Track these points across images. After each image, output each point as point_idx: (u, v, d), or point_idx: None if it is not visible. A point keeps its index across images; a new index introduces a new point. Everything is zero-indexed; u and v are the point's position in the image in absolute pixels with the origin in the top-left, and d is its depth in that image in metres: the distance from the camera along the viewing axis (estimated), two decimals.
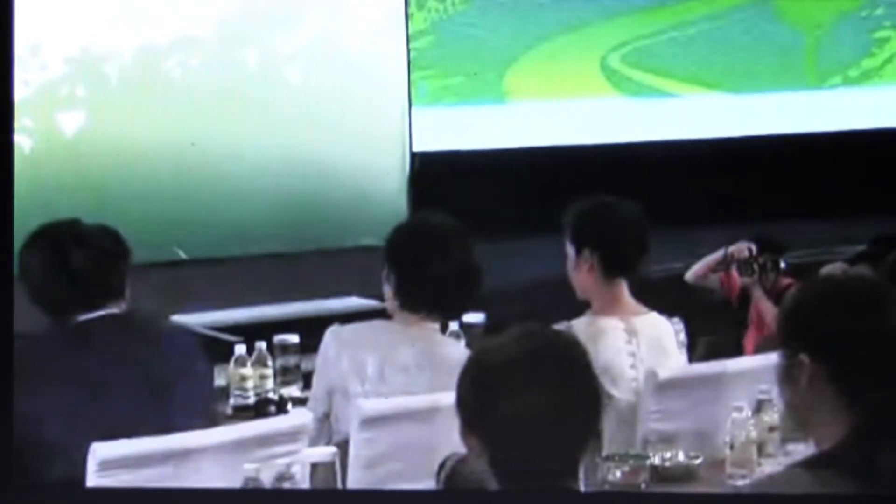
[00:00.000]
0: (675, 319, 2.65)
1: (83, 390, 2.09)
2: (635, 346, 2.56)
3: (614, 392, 2.52)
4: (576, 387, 1.50)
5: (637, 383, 2.56)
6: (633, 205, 2.57)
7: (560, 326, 2.49)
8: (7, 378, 1.87)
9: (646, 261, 2.55)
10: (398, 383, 2.38)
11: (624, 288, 2.56)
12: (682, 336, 2.64)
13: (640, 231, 2.54)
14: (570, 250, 2.55)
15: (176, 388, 2.16)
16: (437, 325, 2.46)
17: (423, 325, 2.43)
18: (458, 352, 2.42)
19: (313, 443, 2.31)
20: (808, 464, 1.51)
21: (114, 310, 2.19)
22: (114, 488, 1.93)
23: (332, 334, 2.42)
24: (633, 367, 2.55)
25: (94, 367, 2.13)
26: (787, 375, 1.52)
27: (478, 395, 1.52)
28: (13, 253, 1.97)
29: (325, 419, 2.42)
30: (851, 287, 1.60)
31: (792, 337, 1.53)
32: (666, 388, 2.56)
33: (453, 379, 1.91)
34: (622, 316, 2.55)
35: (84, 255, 2.20)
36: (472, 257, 2.41)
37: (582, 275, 2.54)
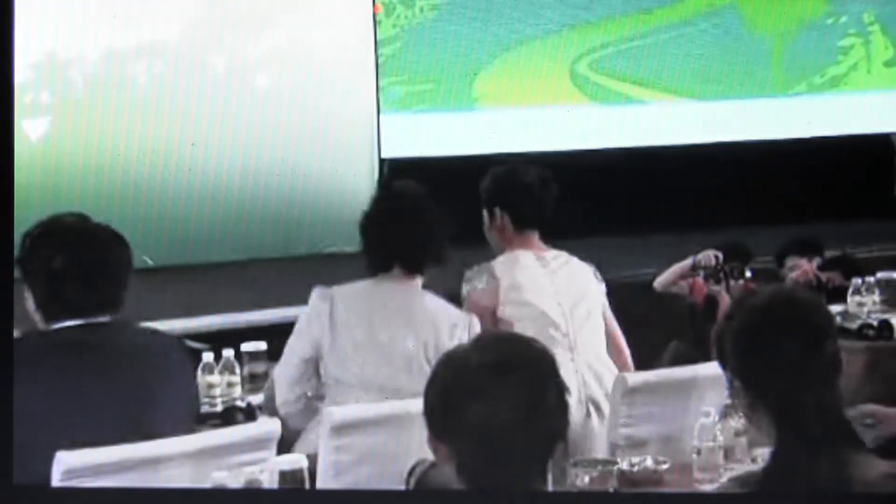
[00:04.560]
0: (589, 263, 2.94)
1: (72, 397, 2.04)
2: (551, 270, 2.86)
3: (534, 301, 2.78)
4: (542, 394, 1.51)
5: (556, 299, 2.80)
6: (538, 168, 2.93)
7: (478, 268, 2.79)
8: (7, 378, 1.85)
9: (549, 214, 2.89)
10: (384, 339, 2.54)
11: (535, 238, 2.90)
12: (599, 276, 2.94)
13: (541, 188, 2.89)
14: (485, 212, 2.91)
15: (163, 399, 2.12)
16: (418, 282, 2.62)
17: (404, 282, 2.59)
18: (438, 304, 2.58)
19: (285, 392, 2.55)
20: (741, 480, 1.60)
21: (106, 318, 2.11)
22: (114, 488, 1.91)
23: (318, 290, 2.62)
24: (552, 284, 2.83)
25: (84, 374, 2.06)
26: (731, 391, 1.66)
27: (445, 403, 1.52)
28: (13, 252, 1.93)
29: (307, 362, 2.58)
30: (766, 318, 1.67)
31: (724, 363, 1.66)
32: (634, 393, 2.58)
33: (437, 330, 2.33)
34: (541, 253, 2.88)
35: (98, 259, 2.10)
36: (434, 217, 2.62)
37: (496, 232, 2.90)
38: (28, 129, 5.09)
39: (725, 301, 3.75)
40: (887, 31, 6.75)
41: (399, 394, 2.46)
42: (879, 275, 3.57)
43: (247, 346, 2.91)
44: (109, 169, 5.23)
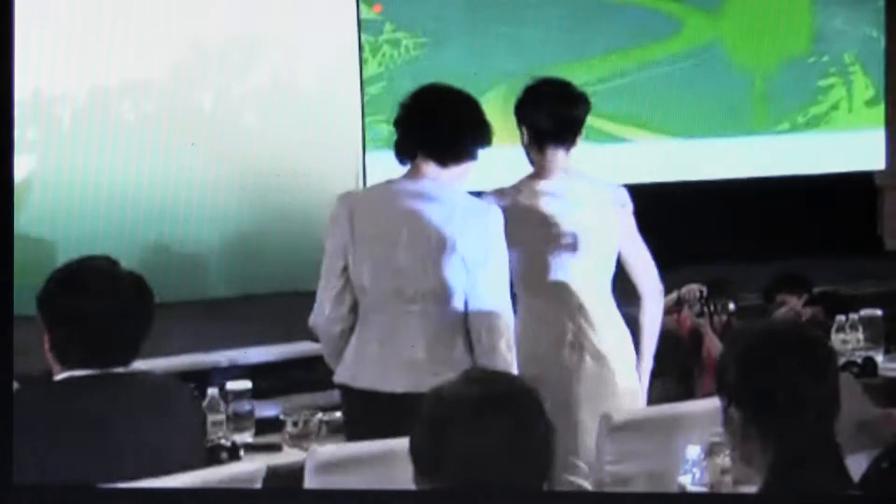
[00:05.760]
0: (619, 187, 2.90)
1: (86, 443, 1.99)
2: (557, 199, 2.81)
3: (525, 234, 2.75)
4: (529, 431, 1.50)
5: (549, 232, 2.79)
6: (566, 85, 2.89)
7: (494, 190, 2.78)
8: (7, 378, 1.82)
9: (574, 131, 2.85)
10: (396, 237, 2.53)
11: (559, 156, 2.83)
12: (623, 203, 2.86)
13: (563, 106, 2.83)
14: (517, 127, 2.87)
15: (176, 442, 2.08)
16: (442, 174, 2.59)
17: (421, 177, 2.58)
18: (454, 195, 2.57)
19: (333, 306, 2.57)
20: None
21: (119, 368, 2.05)
22: (114, 488, 1.89)
23: (340, 199, 2.64)
24: (563, 212, 2.80)
25: (94, 427, 1.99)
26: (725, 420, 1.66)
27: (431, 439, 1.51)
28: (13, 252, 1.90)
29: (343, 273, 2.59)
30: (771, 341, 1.69)
31: (722, 389, 1.67)
32: (621, 430, 2.58)
33: (450, 220, 2.41)
34: (553, 179, 2.83)
35: (118, 308, 2.03)
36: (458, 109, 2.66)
37: (525, 147, 2.87)
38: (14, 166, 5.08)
39: (709, 335, 3.76)
40: (868, 71, 6.83)
41: (414, 294, 2.50)
42: (863, 312, 3.59)
43: (232, 385, 2.90)
44: (95, 206, 5.22)
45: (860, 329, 3.53)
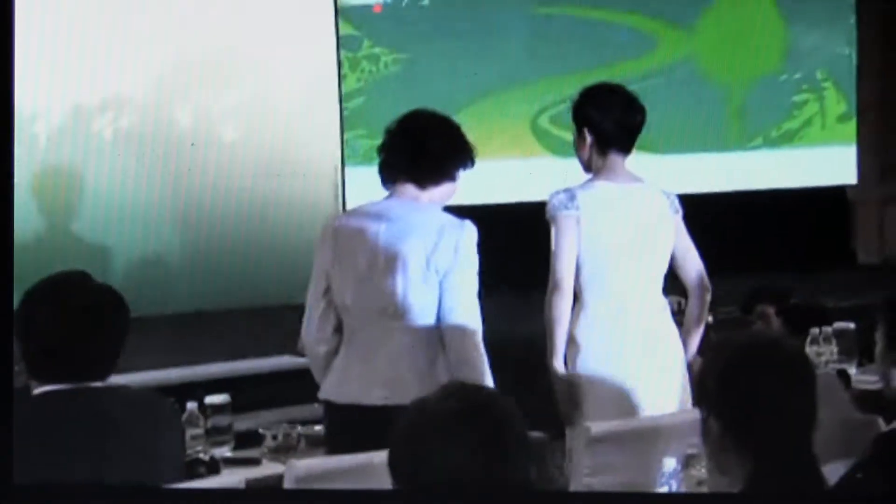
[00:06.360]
0: (672, 194, 3.02)
1: (69, 459, 1.98)
2: (626, 203, 2.92)
3: (605, 238, 2.85)
4: (507, 445, 1.52)
5: (625, 236, 2.88)
6: (629, 92, 3.00)
7: (565, 192, 2.87)
8: (7, 378, 1.82)
9: (634, 137, 2.95)
10: (375, 260, 2.59)
11: (619, 161, 2.94)
12: (676, 208, 3.00)
13: (629, 113, 2.95)
14: (574, 129, 2.98)
15: (156, 456, 2.07)
16: (421, 195, 2.67)
17: (403, 197, 2.64)
18: (430, 213, 2.64)
19: (318, 326, 2.62)
20: None
21: (97, 382, 2.05)
22: (114, 488, 1.88)
23: (323, 225, 2.71)
24: (625, 218, 2.90)
25: (70, 444, 1.99)
26: (704, 431, 1.69)
27: (409, 451, 1.53)
28: (12, 251, 1.89)
29: (325, 295, 2.66)
30: (750, 353, 1.72)
31: (702, 400, 1.70)
32: (598, 442, 2.59)
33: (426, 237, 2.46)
34: (618, 182, 2.93)
35: (90, 323, 2.04)
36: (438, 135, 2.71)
37: (584, 150, 2.95)
38: None
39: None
40: (840, 87, 6.91)
41: (394, 312, 2.55)
42: (836, 325, 3.62)
43: (210, 399, 2.90)
44: (72, 222, 5.21)
45: (833, 342, 3.57)
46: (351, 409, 2.59)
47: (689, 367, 2.98)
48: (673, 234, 2.97)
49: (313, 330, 2.68)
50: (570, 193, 2.90)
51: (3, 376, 1.83)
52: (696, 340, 3.02)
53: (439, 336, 2.58)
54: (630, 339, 2.89)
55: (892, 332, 2.16)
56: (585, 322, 2.84)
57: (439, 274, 2.58)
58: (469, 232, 2.63)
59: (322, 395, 2.68)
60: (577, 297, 2.87)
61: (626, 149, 2.95)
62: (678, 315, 3.75)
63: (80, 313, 2.06)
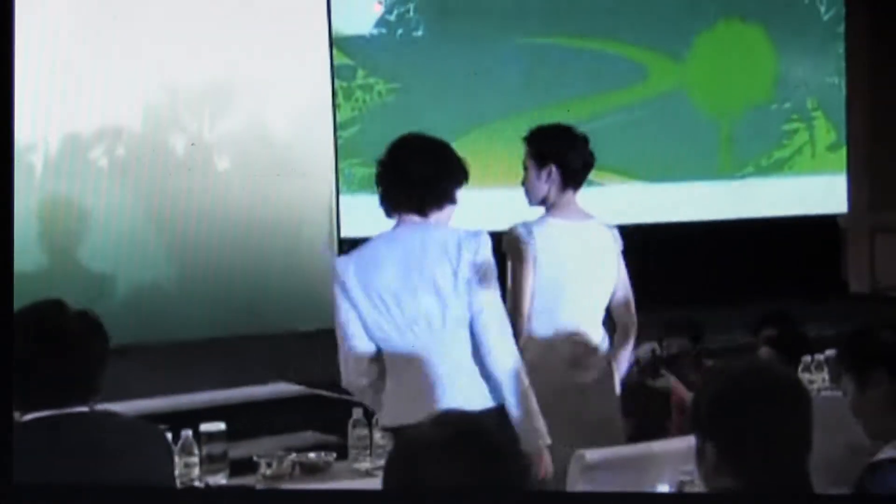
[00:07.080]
0: (615, 228, 3.09)
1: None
2: (579, 237, 3.00)
3: (557, 271, 2.93)
4: (498, 470, 1.53)
5: (577, 267, 2.97)
6: (579, 131, 3.06)
7: (523, 224, 2.96)
8: (6, 378, 1.81)
9: (587, 175, 3.04)
10: (396, 290, 2.64)
11: (573, 197, 3.03)
12: (619, 243, 3.07)
13: (588, 152, 3.04)
14: (532, 163, 3.03)
15: (145, 482, 2.07)
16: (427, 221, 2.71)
17: (410, 225, 2.69)
18: (440, 232, 2.68)
19: (355, 364, 2.65)
20: None
21: (83, 408, 2.04)
22: (114, 488, 1.87)
23: (336, 266, 2.72)
24: (578, 252, 2.98)
25: (63, 462, 1.98)
26: (699, 456, 1.70)
27: (402, 479, 1.54)
28: (12, 251, 1.90)
29: (355, 331, 2.67)
30: (746, 380, 1.73)
31: (697, 426, 1.71)
32: (593, 469, 2.61)
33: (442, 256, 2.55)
34: (572, 219, 3.01)
35: (70, 351, 2.03)
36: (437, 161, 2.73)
37: (542, 186, 3.02)
38: None
39: (675, 385, 3.78)
40: (829, 116, 6.98)
41: (429, 332, 2.61)
42: (828, 352, 3.64)
43: (206, 427, 2.90)
44: (69, 251, 5.22)
45: (825, 369, 3.59)
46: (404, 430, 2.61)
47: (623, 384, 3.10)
48: (616, 268, 3.07)
49: (351, 370, 2.71)
50: (528, 228, 2.99)
51: (2, 376, 1.83)
52: (624, 367, 3.12)
53: (475, 340, 2.66)
54: (572, 363, 2.99)
55: (861, 378, 2.16)
56: (532, 346, 2.93)
57: (468, 284, 2.65)
58: (485, 240, 2.72)
59: (382, 424, 2.73)
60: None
61: (580, 185, 3.05)
62: (658, 360, 3.79)
63: (53, 339, 2.06)
